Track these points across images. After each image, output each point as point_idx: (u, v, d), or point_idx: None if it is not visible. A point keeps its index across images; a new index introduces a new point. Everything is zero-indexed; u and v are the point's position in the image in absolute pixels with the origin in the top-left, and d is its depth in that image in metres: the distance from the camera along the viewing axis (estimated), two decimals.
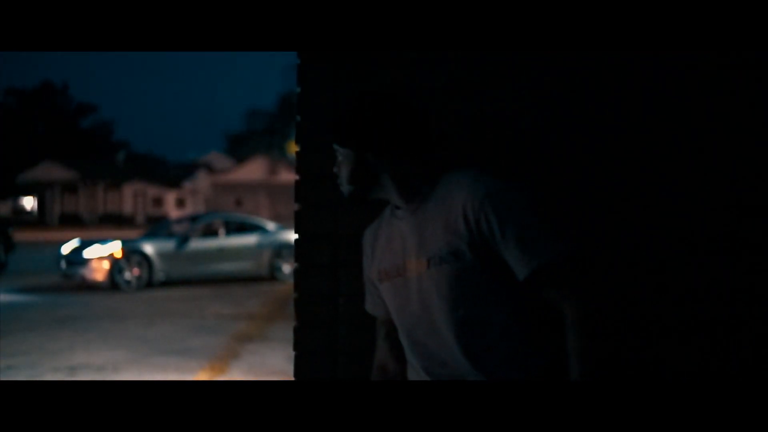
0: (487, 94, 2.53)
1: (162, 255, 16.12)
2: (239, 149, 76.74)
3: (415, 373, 2.13)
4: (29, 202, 60.65)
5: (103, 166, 64.06)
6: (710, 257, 2.46)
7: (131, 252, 15.78)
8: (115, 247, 15.66)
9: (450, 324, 2.00)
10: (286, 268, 17.29)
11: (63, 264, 16.12)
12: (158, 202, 63.08)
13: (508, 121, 2.52)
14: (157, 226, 20.26)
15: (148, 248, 16.03)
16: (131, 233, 26.33)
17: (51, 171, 58.83)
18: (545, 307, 2.00)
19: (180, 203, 63.87)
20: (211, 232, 17.62)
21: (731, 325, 2.46)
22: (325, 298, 2.32)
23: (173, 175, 67.13)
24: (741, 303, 2.46)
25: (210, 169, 71.32)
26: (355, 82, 2.56)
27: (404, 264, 2.07)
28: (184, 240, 16.59)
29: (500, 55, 2.52)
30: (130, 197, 61.50)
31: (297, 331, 2.55)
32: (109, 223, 54.24)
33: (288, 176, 59.43)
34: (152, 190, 63.15)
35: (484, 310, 2.00)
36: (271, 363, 8.20)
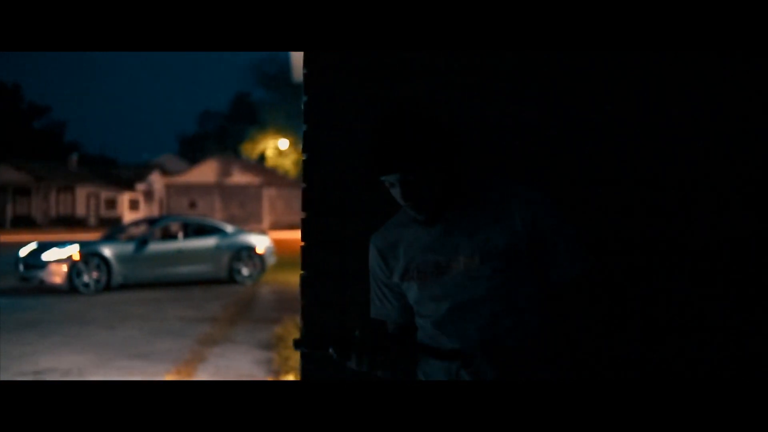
0: (497, 98, 2.66)
1: (121, 258, 16.04)
2: (192, 151, 76.12)
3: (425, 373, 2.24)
4: None
5: (55, 168, 63.01)
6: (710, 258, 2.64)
7: (90, 255, 15.69)
8: (73, 250, 15.56)
9: (486, 315, 2.12)
10: (245, 270, 17.41)
11: (21, 267, 15.94)
12: (111, 204, 62.28)
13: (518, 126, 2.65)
14: (115, 229, 20.09)
15: (107, 251, 15.94)
16: (85, 235, 26.01)
17: (3, 173, 57.79)
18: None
19: (133, 205, 63.15)
20: (169, 235, 17.67)
21: (731, 325, 2.62)
22: (331, 305, 2.36)
23: (126, 177, 66.24)
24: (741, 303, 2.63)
25: (163, 170, 70.57)
26: (361, 91, 2.63)
27: (448, 261, 2.15)
28: (142, 243, 16.52)
29: (508, 57, 2.64)
30: (83, 199, 60.62)
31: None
32: (62, 226, 53.43)
33: (241, 178, 58.97)
34: (105, 193, 62.33)
35: (522, 304, 2.13)
36: (238, 366, 8.15)
